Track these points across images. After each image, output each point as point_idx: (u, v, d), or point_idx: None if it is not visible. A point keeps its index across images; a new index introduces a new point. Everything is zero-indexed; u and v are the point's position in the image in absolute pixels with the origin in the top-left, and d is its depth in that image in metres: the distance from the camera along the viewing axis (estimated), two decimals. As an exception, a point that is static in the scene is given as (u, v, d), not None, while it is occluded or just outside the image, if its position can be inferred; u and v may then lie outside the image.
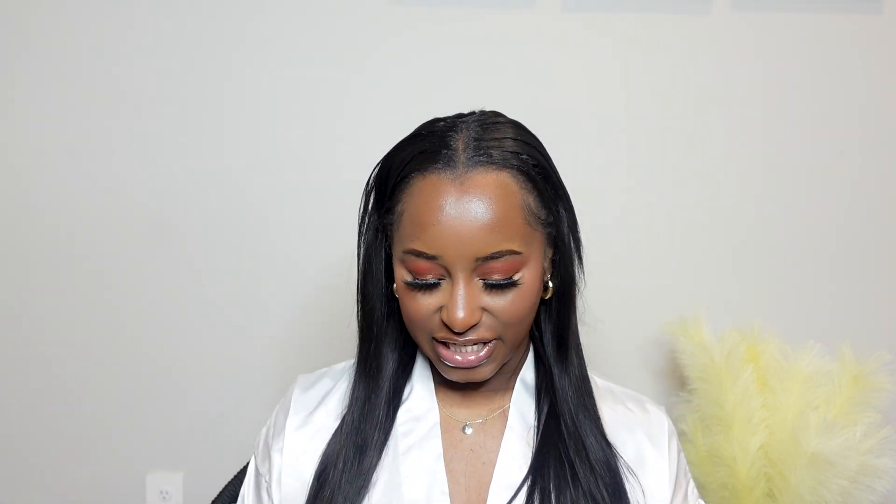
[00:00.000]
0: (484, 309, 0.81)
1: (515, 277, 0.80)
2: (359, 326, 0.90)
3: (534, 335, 0.92)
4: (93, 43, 1.43)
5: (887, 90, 1.45)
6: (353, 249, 0.90)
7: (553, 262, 0.87)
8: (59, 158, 1.44)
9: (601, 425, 0.89)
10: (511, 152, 0.82)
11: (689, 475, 0.95)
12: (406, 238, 0.81)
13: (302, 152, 1.45)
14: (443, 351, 0.83)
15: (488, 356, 0.83)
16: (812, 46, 1.44)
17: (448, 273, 0.80)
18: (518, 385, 0.91)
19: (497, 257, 0.79)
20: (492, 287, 0.80)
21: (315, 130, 1.45)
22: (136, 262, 1.46)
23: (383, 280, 0.88)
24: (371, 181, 0.87)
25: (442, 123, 0.85)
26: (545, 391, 0.90)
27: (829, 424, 1.22)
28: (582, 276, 0.89)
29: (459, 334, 0.81)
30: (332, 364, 0.98)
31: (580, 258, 0.88)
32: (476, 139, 0.82)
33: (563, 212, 0.86)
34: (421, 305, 0.82)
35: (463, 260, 0.79)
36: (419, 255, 0.80)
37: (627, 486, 0.86)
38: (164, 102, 1.44)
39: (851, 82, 1.45)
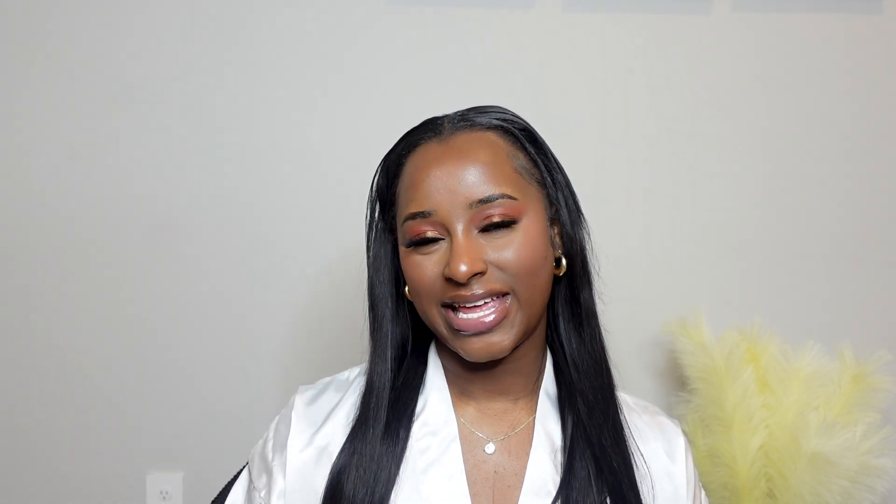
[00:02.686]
0: (489, 263, 0.79)
1: (514, 220, 0.79)
2: (370, 330, 0.88)
3: (553, 344, 0.90)
4: (97, 43, 1.43)
5: (887, 90, 1.45)
6: (357, 251, 0.90)
7: (562, 237, 0.86)
8: (63, 159, 1.44)
9: (620, 420, 0.87)
10: (496, 118, 0.84)
11: (700, 483, 0.94)
12: (402, 209, 0.82)
13: (306, 155, 1.45)
14: (454, 319, 0.80)
15: (503, 317, 0.80)
16: (812, 46, 1.44)
17: (447, 231, 0.79)
18: (542, 396, 0.88)
19: (490, 200, 0.78)
20: (492, 233, 0.79)
21: (317, 132, 1.45)
22: (136, 263, 1.46)
23: (392, 284, 0.87)
24: (373, 187, 0.87)
25: (433, 116, 0.87)
26: (569, 404, 0.87)
27: (829, 424, 1.22)
28: (592, 250, 0.88)
29: (466, 286, 0.78)
30: (334, 367, 0.97)
31: (586, 231, 0.87)
32: (462, 114, 0.85)
33: (558, 177, 0.86)
34: (425, 269, 0.80)
35: (457, 209, 0.78)
36: (415, 216, 0.80)
37: (642, 494, 0.85)
38: (167, 104, 1.44)
39: (851, 82, 1.45)
